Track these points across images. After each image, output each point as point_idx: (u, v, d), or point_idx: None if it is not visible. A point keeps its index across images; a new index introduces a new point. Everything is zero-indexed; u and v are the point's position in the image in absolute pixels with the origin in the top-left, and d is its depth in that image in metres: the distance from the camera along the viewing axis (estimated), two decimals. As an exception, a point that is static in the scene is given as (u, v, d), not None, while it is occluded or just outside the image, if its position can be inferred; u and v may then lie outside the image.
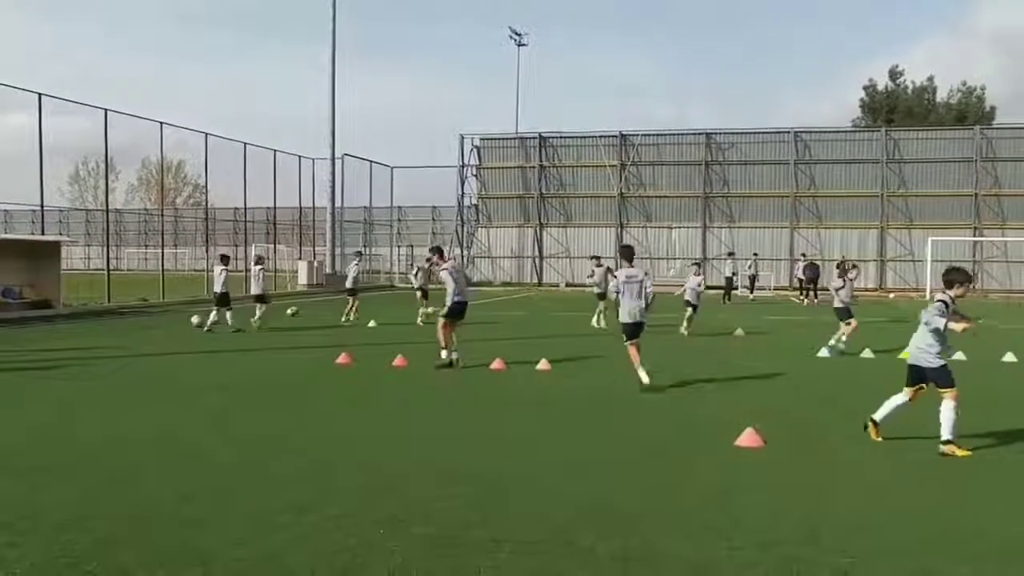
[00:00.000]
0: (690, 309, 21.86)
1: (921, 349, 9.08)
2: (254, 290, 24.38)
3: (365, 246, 56.92)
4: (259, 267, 24.75)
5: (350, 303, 25.47)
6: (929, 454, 8.72)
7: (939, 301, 9.10)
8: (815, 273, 38.28)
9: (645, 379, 12.69)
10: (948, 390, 8.84)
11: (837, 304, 18.60)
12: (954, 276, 9.31)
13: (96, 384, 13.74)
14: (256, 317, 23.19)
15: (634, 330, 13.03)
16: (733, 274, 39.60)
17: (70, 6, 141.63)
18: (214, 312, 22.59)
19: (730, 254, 43.10)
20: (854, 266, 21.23)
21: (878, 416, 9.35)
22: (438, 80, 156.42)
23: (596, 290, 24.76)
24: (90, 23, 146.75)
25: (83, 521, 6.48)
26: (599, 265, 25.30)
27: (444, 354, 15.21)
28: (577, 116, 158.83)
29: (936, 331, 8.90)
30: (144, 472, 8.00)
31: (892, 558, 5.80)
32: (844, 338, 18.07)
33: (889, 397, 9.33)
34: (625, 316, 13.08)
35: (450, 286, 15.44)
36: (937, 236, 44.97)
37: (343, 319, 24.98)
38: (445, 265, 15.85)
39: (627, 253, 13.98)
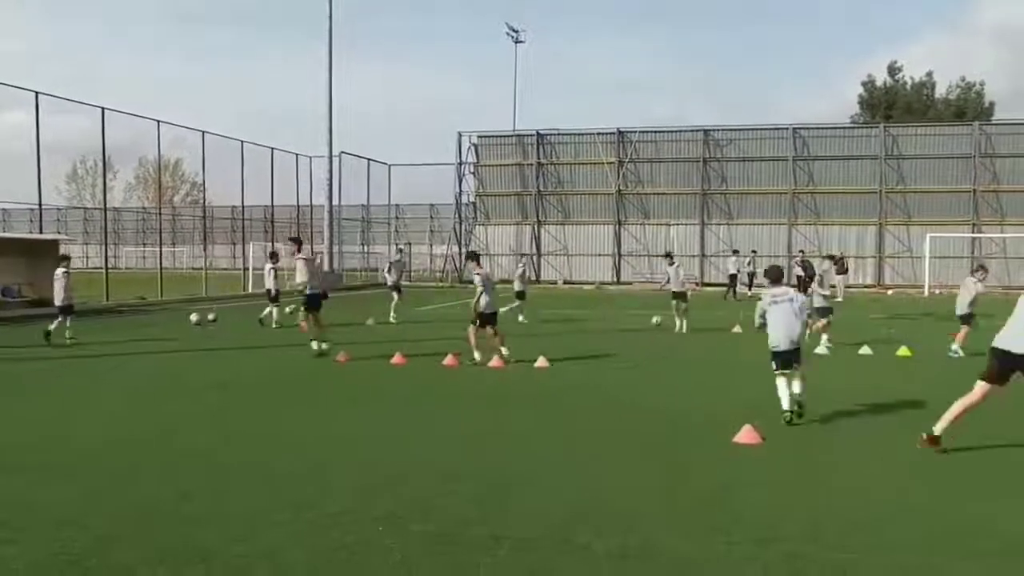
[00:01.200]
0: (675, 301, 22.28)
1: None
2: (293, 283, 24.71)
3: (363, 244, 56.97)
4: (271, 265, 24.99)
5: (395, 299, 25.45)
6: (928, 450, 8.72)
7: None
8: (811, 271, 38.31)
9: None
10: None
11: (819, 303, 18.22)
12: None
13: (95, 382, 13.75)
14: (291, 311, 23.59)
15: (490, 317, 15.14)
16: (737, 271, 39.56)
17: (69, 5, 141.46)
18: (274, 310, 23.45)
19: (735, 252, 43.06)
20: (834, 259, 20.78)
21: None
22: (436, 78, 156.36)
23: (673, 288, 22.65)
24: (88, 22, 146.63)
25: (83, 518, 6.49)
26: (672, 263, 23.99)
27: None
28: (575, 113, 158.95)
29: None
30: (144, 470, 8.01)
31: (892, 554, 5.81)
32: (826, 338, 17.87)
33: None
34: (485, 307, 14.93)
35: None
36: (935, 232, 45.01)
37: (391, 317, 24.96)
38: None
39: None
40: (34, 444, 9.20)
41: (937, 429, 8.75)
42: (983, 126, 50.85)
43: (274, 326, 22.83)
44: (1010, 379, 8.55)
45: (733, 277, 39.16)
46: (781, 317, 10.37)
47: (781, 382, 10.22)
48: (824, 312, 18.06)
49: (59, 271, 19.58)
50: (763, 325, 10.58)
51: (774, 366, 10.29)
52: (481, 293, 15.58)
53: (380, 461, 8.39)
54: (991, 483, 7.66)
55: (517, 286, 26.16)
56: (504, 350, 15.55)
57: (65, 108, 31.45)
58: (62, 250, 26.69)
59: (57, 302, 19.35)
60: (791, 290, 10.86)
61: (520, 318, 24.61)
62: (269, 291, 23.86)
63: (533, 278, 53.03)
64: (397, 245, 41.13)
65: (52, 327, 18.94)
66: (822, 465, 8.27)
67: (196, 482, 7.54)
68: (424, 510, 6.70)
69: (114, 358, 16.47)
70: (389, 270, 27.26)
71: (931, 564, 5.65)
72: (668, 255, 25.25)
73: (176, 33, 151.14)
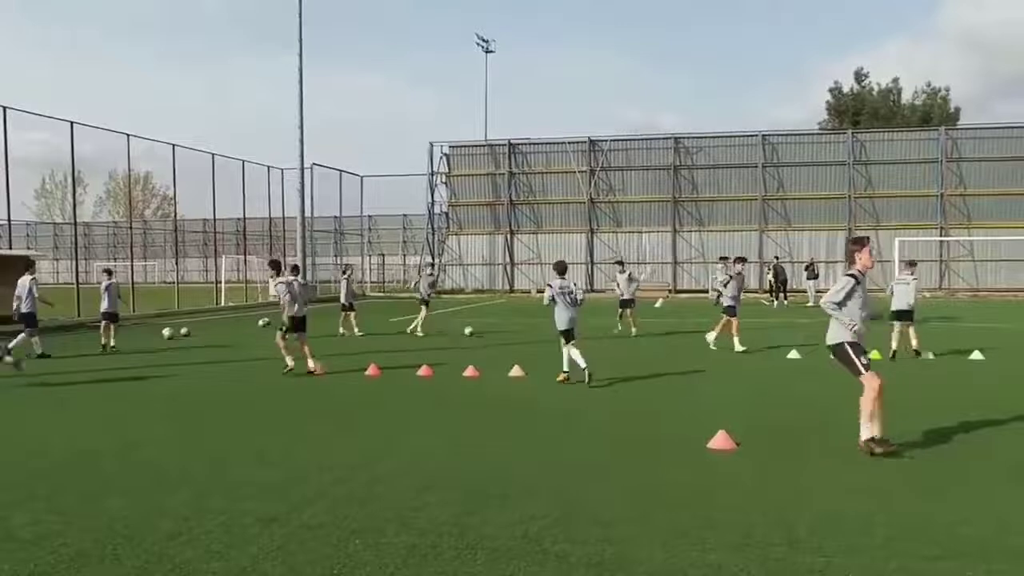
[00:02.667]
0: (620, 308, 23.18)
1: None
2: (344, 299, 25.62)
3: (336, 256, 56.77)
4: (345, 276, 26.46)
5: (423, 313, 24.54)
6: (904, 454, 8.81)
7: None
8: (784, 275, 38.79)
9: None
10: None
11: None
12: None
13: (66, 398, 13.63)
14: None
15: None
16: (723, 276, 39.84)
17: (39, 19, 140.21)
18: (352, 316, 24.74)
19: (723, 258, 43.25)
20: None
21: None
22: (406, 89, 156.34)
23: (723, 300, 20.92)
24: (58, 34, 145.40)
25: (55, 537, 6.43)
26: (623, 271, 24.67)
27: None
28: (546, 122, 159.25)
29: None
30: (116, 486, 7.94)
31: (867, 557, 5.87)
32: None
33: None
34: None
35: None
36: (904, 236, 45.45)
37: (418, 330, 24.25)
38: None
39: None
40: (3, 461, 9.11)
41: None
42: (949, 131, 51.45)
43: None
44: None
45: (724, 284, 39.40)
46: (563, 305, 14.28)
47: (565, 350, 14.26)
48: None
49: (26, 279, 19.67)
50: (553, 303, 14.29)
51: (563, 340, 14.38)
52: (288, 302, 16.13)
53: (356, 473, 8.38)
54: (964, 484, 7.74)
55: (424, 292, 25.13)
56: (311, 362, 15.85)
57: (31, 123, 31.16)
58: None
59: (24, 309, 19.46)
60: (570, 283, 14.64)
61: (417, 329, 24.16)
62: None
63: (507, 287, 53.09)
64: (426, 259, 40.88)
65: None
66: (796, 469, 8.33)
67: (170, 498, 7.49)
68: (401, 521, 6.70)
69: (85, 374, 16.33)
70: (416, 286, 26.09)
71: (906, 566, 5.70)
72: (619, 263, 25.74)
73: (145, 45, 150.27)
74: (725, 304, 19.61)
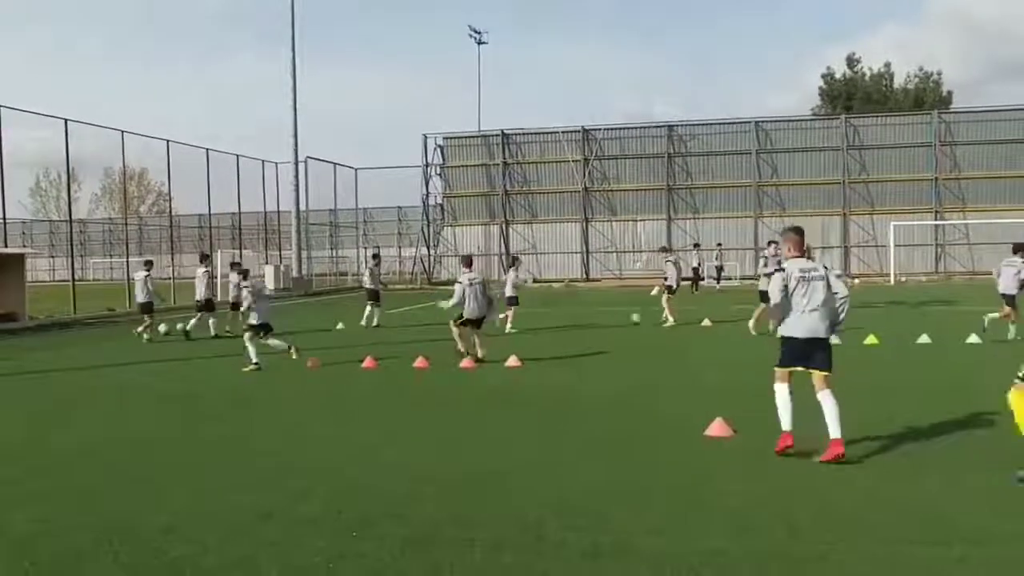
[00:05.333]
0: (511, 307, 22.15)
1: None
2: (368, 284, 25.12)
3: (331, 249, 56.70)
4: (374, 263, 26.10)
5: (511, 313, 22.05)
6: (897, 439, 8.83)
7: None
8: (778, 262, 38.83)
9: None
10: None
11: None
12: None
13: (63, 395, 13.61)
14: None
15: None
16: (699, 265, 40.08)
17: (33, 16, 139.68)
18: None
19: (696, 245, 43.37)
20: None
21: None
22: (400, 81, 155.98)
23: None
24: (48, 33, 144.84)
25: (52, 533, 6.43)
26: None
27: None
28: (540, 112, 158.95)
29: None
30: (113, 482, 7.94)
31: (867, 543, 5.86)
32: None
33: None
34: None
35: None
36: (899, 221, 45.46)
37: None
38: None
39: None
40: (1, 457, 9.11)
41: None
42: (942, 114, 51.43)
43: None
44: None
45: (696, 271, 39.60)
46: (473, 296, 15.33)
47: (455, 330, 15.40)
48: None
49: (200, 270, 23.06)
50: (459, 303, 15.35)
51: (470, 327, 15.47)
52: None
53: (352, 466, 8.38)
54: (961, 472, 7.74)
55: (368, 283, 24.93)
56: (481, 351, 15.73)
57: (26, 121, 31.02)
58: (27, 263, 26.49)
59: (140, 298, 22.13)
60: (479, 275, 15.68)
61: (373, 322, 23.84)
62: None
63: (502, 277, 53.09)
64: (371, 251, 40.65)
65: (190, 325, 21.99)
66: (793, 456, 8.32)
67: (167, 493, 7.49)
68: (397, 514, 6.70)
69: (82, 371, 16.31)
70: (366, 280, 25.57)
71: (905, 552, 5.70)
72: (515, 257, 25.76)
73: (139, 41, 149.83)
74: (763, 288, 18.82)
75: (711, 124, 53.16)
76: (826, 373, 8.41)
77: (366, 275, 25.41)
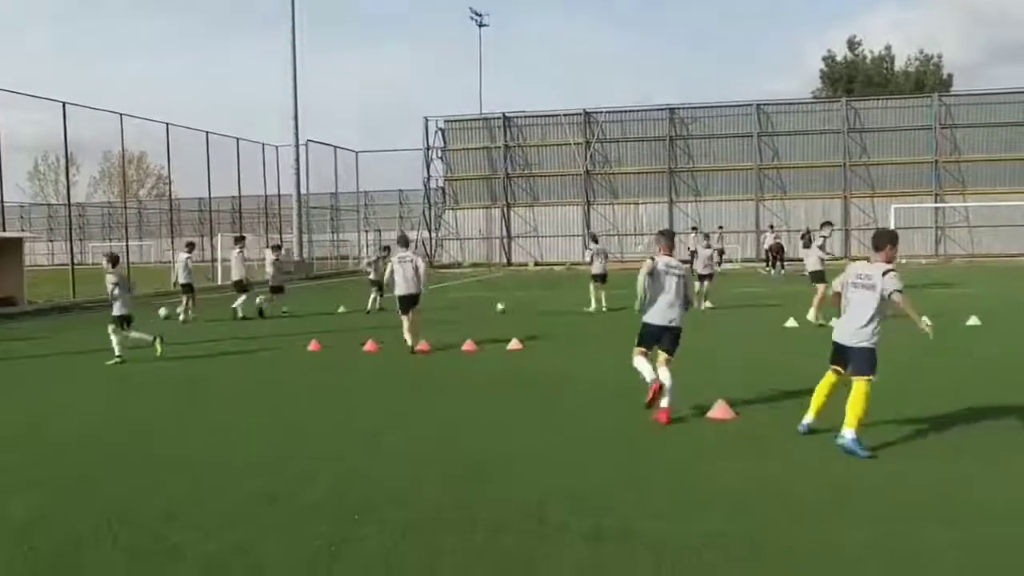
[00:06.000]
0: (594, 283, 22.19)
1: None
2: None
3: (332, 232, 56.59)
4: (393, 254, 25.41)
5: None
6: (901, 422, 8.82)
7: None
8: (779, 246, 38.85)
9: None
10: None
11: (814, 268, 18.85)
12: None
13: (62, 380, 13.61)
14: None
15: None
16: (696, 248, 40.02)
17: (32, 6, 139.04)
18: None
19: (694, 229, 43.34)
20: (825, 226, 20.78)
21: None
22: (401, 64, 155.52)
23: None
24: (47, 16, 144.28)
25: (53, 518, 6.43)
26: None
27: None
28: (541, 95, 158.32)
29: None
30: (114, 467, 7.93)
31: (869, 524, 5.87)
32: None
33: None
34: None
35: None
36: (900, 203, 45.36)
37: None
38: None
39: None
40: (1, 443, 9.11)
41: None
42: (942, 97, 51.28)
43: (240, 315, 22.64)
44: None
45: (694, 254, 39.58)
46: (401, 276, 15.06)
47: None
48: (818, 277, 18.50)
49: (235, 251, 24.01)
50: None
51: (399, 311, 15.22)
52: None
53: (353, 450, 8.38)
54: (962, 449, 7.74)
55: (273, 279, 24.06)
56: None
57: (23, 104, 30.89)
58: (26, 247, 26.49)
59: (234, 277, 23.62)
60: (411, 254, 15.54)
61: (376, 306, 23.28)
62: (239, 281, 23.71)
63: (504, 261, 53.00)
64: (273, 241, 40.45)
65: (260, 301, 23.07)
66: (794, 439, 8.31)
67: (168, 478, 7.48)
68: (399, 498, 6.69)
69: (84, 355, 16.29)
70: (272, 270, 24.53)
71: (907, 531, 5.70)
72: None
73: (137, 22, 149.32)
74: (812, 270, 18.60)
75: (712, 107, 53.01)
76: (669, 356, 9.39)
77: (268, 266, 24.58)
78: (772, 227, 42.49)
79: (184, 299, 22.82)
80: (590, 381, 11.89)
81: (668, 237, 10.09)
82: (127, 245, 40.21)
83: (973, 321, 16.91)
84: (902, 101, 52.40)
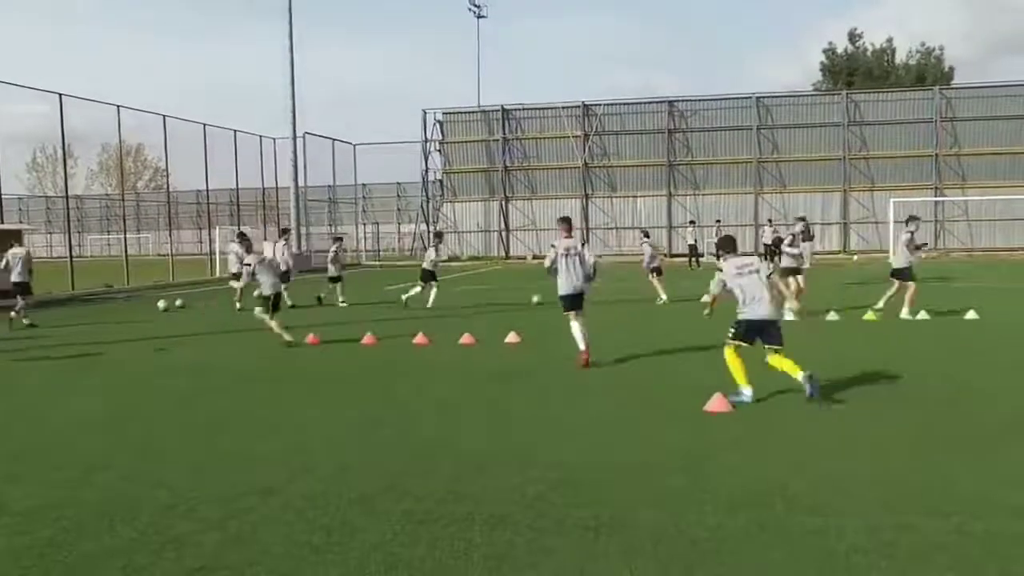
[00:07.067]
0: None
1: None
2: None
3: (330, 225, 56.57)
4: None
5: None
6: (897, 413, 8.84)
7: None
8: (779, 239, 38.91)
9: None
10: None
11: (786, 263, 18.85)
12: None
13: (62, 371, 13.62)
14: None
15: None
16: (695, 241, 40.26)
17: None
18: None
19: (691, 222, 43.43)
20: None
21: None
22: (399, 56, 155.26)
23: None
24: (41, 8, 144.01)
25: (52, 508, 6.43)
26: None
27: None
28: (539, 87, 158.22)
29: None
30: (114, 458, 7.94)
31: (864, 516, 5.87)
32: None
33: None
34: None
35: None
36: (899, 197, 45.39)
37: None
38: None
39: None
40: (2, 433, 9.11)
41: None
42: (943, 90, 51.27)
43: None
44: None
45: (692, 247, 39.75)
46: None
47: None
48: (790, 272, 18.43)
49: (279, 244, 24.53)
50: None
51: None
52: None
53: (352, 442, 8.38)
54: (958, 444, 7.76)
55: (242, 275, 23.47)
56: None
57: (21, 96, 30.90)
58: (25, 240, 26.46)
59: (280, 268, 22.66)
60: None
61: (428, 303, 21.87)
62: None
63: (503, 254, 53.00)
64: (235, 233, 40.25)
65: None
66: (792, 431, 8.34)
67: (167, 469, 7.49)
68: (398, 490, 6.69)
69: (82, 346, 16.29)
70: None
71: (902, 523, 5.71)
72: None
73: (136, 13, 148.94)
74: (899, 266, 17.59)
75: (712, 100, 52.99)
76: (580, 313, 12.63)
77: (231, 260, 24.74)
78: (771, 221, 42.49)
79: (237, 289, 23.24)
80: (588, 373, 11.90)
81: (567, 222, 13.02)
82: (125, 238, 40.18)
83: (971, 316, 16.91)
84: (902, 94, 52.39)
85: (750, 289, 9.71)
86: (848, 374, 10.90)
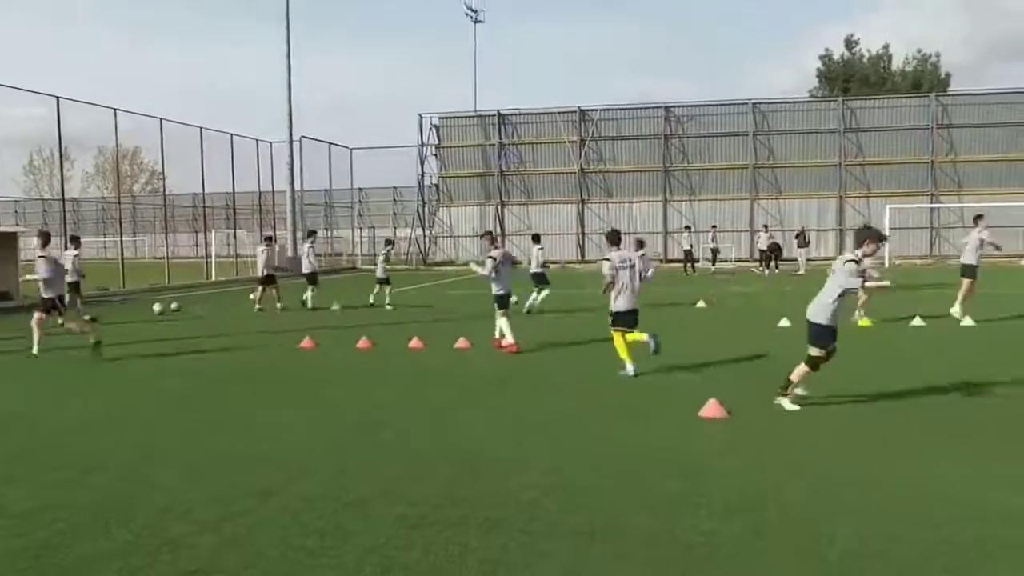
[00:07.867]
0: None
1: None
2: (305, 268, 25.26)
3: (326, 229, 56.55)
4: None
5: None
6: (894, 420, 8.87)
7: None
8: (776, 245, 39.02)
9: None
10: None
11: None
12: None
13: (59, 373, 13.62)
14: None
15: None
16: (691, 247, 40.38)
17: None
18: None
19: (687, 228, 43.51)
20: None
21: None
22: (396, 60, 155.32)
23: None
24: (36, 10, 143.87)
25: (47, 510, 6.45)
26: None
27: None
28: (536, 92, 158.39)
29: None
30: (110, 461, 7.95)
31: (857, 522, 5.90)
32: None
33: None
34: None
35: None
36: (895, 204, 45.44)
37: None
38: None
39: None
40: (-3, 439, 9.12)
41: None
42: (939, 97, 51.32)
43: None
44: None
45: (688, 252, 39.85)
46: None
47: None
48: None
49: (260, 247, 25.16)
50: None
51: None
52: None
53: (348, 445, 8.40)
54: (953, 452, 7.78)
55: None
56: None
57: (18, 99, 30.87)
58: (20, 242, 26.51)
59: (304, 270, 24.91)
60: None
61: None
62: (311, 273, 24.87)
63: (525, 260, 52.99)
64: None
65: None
66: (786, 437, 8.37)
67: (163, 472, 7.51)
68: (393, 494, 6.71)
69: (78, 349, 16.27)
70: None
71: (894, 531, 5.74)
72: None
73: (133, 14, 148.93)
74: (967, 262, 18.00)
75: (708, 105, 53.00)
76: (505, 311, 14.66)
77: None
78: (766, 227, 42.53)
79: (270, 289, 24.07)
80: (582, 379, 11.93)
81: (491, 235, 16.05)
82: (121, 240, 40.09)
83: (967, 322, 16.96)
84: (899, 101, 52.41)
85: (625, 280, 12.05)
86: (842, 381, 10.93)
